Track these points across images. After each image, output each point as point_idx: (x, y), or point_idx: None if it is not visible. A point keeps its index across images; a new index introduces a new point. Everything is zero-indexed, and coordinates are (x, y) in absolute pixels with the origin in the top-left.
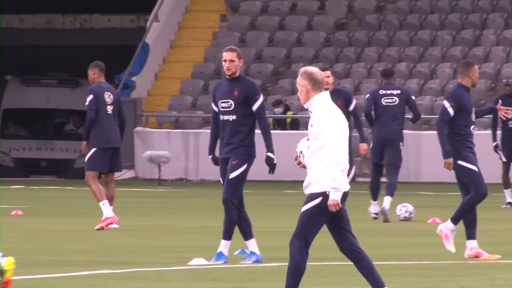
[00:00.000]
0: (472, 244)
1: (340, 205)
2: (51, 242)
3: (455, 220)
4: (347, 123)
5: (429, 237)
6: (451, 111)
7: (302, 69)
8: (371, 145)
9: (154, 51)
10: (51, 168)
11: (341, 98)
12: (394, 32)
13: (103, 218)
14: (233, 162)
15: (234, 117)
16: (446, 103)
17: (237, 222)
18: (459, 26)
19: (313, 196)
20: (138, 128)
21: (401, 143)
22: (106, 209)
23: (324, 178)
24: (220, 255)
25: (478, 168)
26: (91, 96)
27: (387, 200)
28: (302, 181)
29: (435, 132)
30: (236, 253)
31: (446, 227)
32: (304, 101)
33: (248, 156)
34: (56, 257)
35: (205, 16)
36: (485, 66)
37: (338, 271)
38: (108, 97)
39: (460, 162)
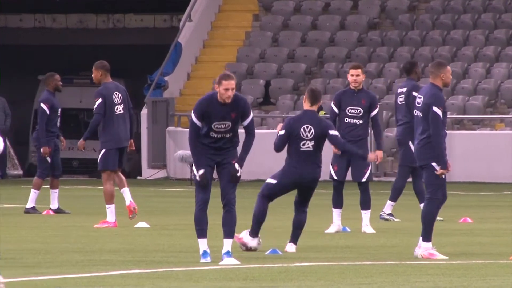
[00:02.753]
0: (425, 245)
1: None
2: (82, 242)
3: (427, 238)
4: None
5: (461, 237)
6: (441, 116)
7: None
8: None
9: (187, 51)
10: (83, 168)
11: (366, 99)
12: (427, 32)
13: (105, 220)
14: (233, 162)
15: (230, 134)
16: (437, 109)
17: (205, 220)
18: (492, 26)
19: None
20: (170, 128)
21: (410, 143)
22: (111, 214)
23: None
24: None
25: (444, 175)
26: (100, 100)
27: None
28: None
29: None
30: (267, 253)
31: (424, 248)
32: None
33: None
34: (87, 256)
35: (237, 15)
36: None
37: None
38: (117, 96)
39: (433, 164)
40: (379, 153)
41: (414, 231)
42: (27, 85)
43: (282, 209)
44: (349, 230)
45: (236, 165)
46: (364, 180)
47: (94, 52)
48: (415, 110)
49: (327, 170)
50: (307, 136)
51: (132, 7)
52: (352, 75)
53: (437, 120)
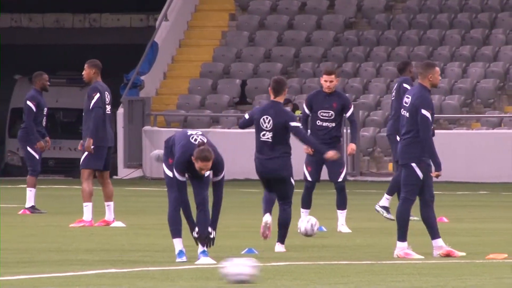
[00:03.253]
0: (438, 243)
1: None
2: (58, 241)
3: (402, 237)
4: None
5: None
6: (431, 118)
7: None
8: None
9: (163, 50)
10: (59, 168)
11: (338, 101)
12: (403, 31)
13: (81, 219)
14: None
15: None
16: (426, 112)
17: (178, 220)
18: (468, 25)
19: None
20: (146, 127)
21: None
22: (87, 212)
23: None
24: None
25: (423, 176)
26: (98, 95)
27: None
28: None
29: (443, 131)
30: (243, 252)
31: (400, 248)
32: None
33: None
34: (63, 256)
35: (214, 15)
36: (494, 65)
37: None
38: (107, 97)
39: (413, 165)
40: (352, 145)
41: (391, 231)
42: (3, 84)
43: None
44: (325, 229)
45: (210, 229)
46: (340, 180)
47: (70, 51)
48: (402, 109)
49: (301, 170)
50: (266, 127)
51: (109, 7)
52: (325, 81)
53: (426, 122)
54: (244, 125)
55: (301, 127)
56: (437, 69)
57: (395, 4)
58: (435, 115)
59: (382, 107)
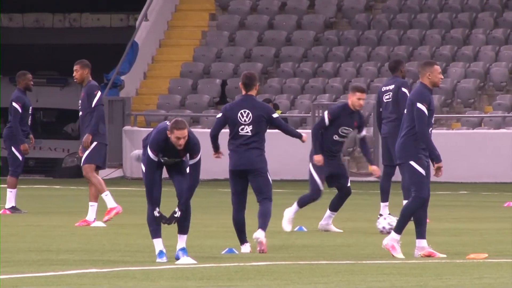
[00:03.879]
0: (422, 244)
1: None
2: (39, 241)
3: (399, 230)
4: None
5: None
6: (426, 112)
7: None
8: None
9: (143, 50)
10: (39, 167)
11: (358, 120)
12: (384, 31)
13: (108, 209)
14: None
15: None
16: (421, 106)
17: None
18: (448, 25)
19: None
20: (127, 127)
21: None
22: (110, 199)
23: None
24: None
25: (426, 172)
26: (99, 93)
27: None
28: (291, 180)
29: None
30: (223, 252)
31: (391, 238)
32: None
33: None
34: (44, 256)
35: (194, 15)
36: (474, 65)
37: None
38: (101, 96)
39: (411, 163)
40: (375, 167)
41: (370, 230)
42: None
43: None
44: (305, 229)
45: (176, 208)
46: (348, 185)
47: (50, 51)
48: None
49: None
50: (245, 120)
51: (89, 7)
52: (359, 99)
53: (422, 116)
54: (219, 126)
55: (280, 118)
56: (437, 67)
57: (375, 4)
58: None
59: (363, 107)
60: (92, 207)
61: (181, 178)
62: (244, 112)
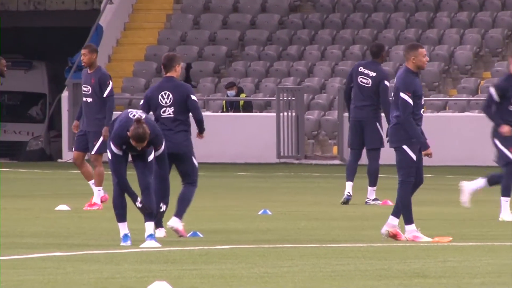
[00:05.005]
0: (393, 222)
1: None
2: (4, 225)
3: (408, 220)
4: None
5: (382, 220)
6: (410, 101)
7: None
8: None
9: (108, 33)
10: (4, 151)
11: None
12: (348, 15)
13: (93, 202)
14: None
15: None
16: (404, 95)
17: (123, 204)
18: (413, 8)
19: None
20: None
21: (377, 124)
22: (99, 195)
23: None
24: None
25: (416, 157)
26: (111, 83)
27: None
28: (255, 164)
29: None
30: (188, 235)
31: (409, 231)
32: None
33: None
34: (8, 239)
35: None
36: (438, 48)
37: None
38: None
39: (404, 147)
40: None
41: (334, 214)
42: None
43: (209, 191)
44: (270, 213)
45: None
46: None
47: (15, 34)
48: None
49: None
50: (166, 102)
51: None
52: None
53: (406, 106)
54: (143, 110)
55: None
56: (421, 50)
57: None
58: None
59: (326, 90)
60: (100, 191)
61: (144, 169)
62: (165, 93)
